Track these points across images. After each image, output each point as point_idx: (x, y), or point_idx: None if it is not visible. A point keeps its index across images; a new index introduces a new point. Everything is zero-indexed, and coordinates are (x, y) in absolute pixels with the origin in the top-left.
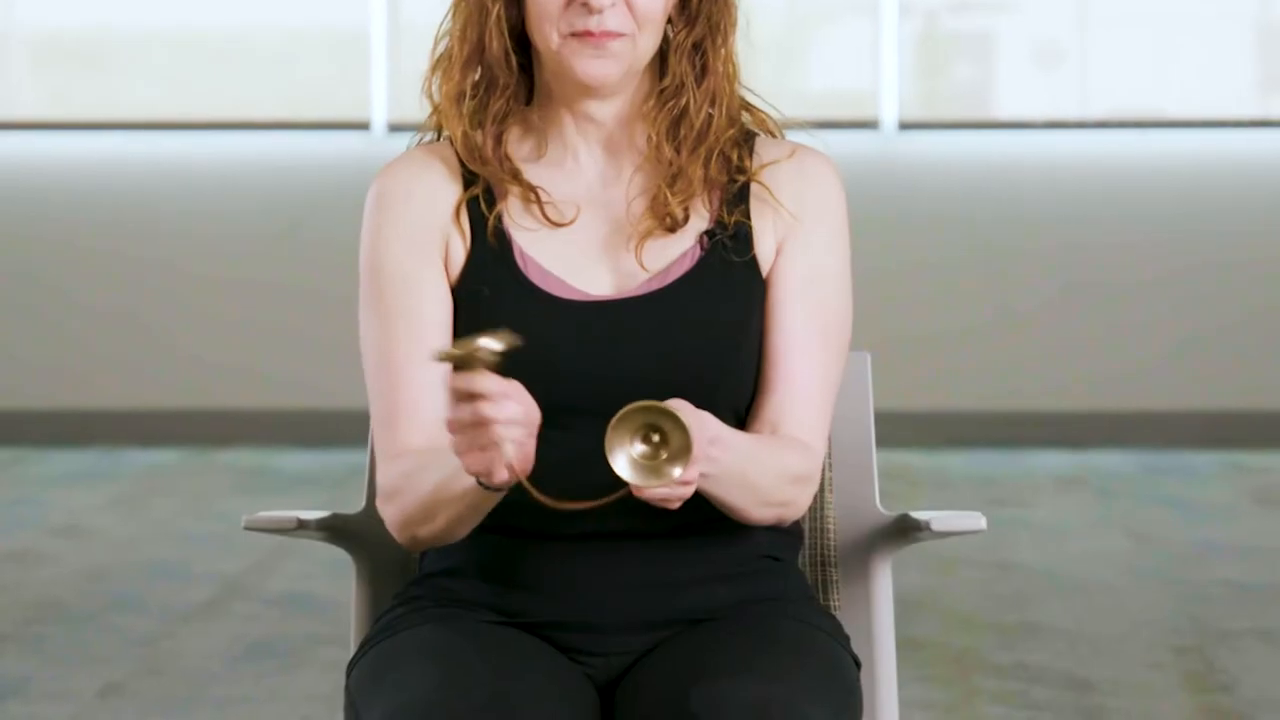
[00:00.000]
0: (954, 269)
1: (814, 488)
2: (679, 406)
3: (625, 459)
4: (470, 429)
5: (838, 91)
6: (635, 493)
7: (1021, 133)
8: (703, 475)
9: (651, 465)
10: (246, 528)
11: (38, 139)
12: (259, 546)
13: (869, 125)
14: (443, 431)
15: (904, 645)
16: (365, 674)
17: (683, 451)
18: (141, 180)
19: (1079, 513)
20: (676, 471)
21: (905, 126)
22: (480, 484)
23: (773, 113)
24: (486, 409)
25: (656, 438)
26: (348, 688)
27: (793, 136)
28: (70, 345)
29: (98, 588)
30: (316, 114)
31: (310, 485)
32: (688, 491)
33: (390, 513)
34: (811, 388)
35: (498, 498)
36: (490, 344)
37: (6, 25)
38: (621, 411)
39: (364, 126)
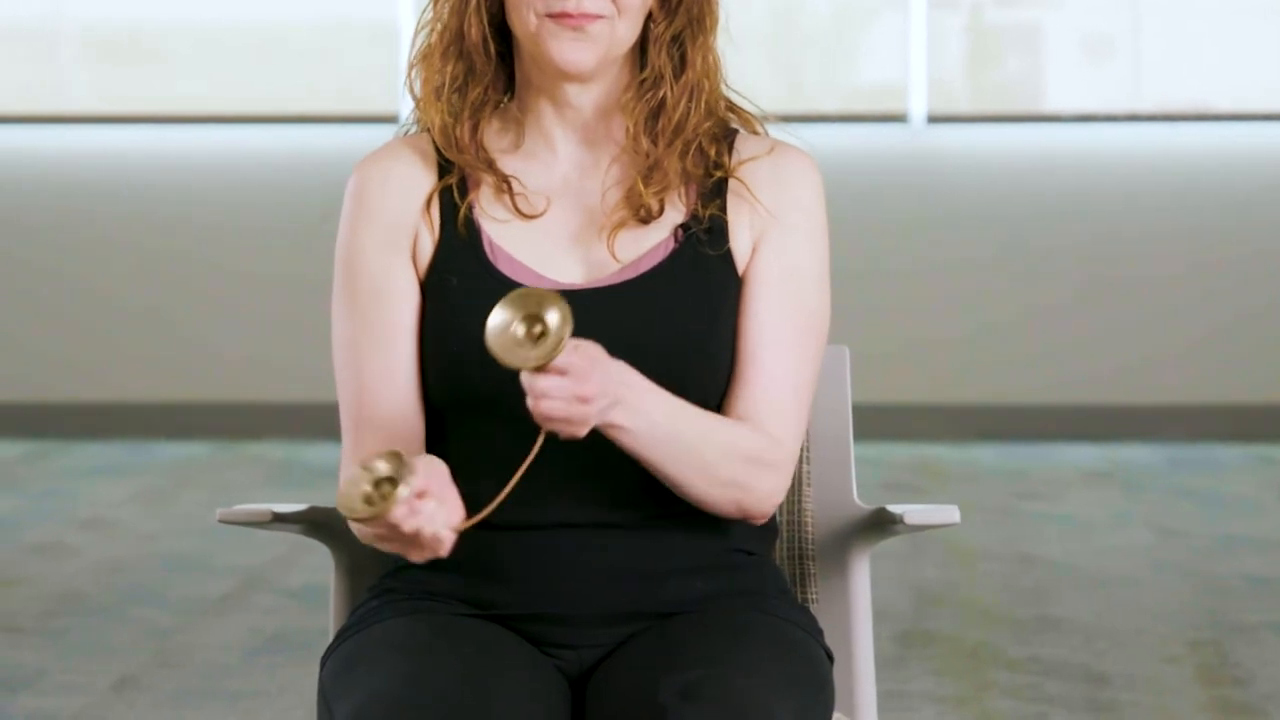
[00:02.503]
0: (983, 262)
1: (779, 478)
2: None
3: (500, 333)
4: (400, 548)
5: (888, 86)
6: (526, 387)
7: (1052, 126)
8: (620, 425)
9: (518, 345)
10: (221, 521)
11: (83, 132)
12: (282, 540)
13: (898, 119)
14: (405, 431)
15: (919, 638)
16: (337, 667)
17: (553, 345)
18: (174, 174)
19: (1104, 506)
20: (532, 354)
21: (934, 120)
22: None
23: (755, 111)
24: (408, 529)
25: (538, 329)
26: (321, 680)
27: (775, 132)
28: (101, 338)
29: (118, 580)
30: (351, 108)
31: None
32: (583, 411)
33: (359, 533)
34: (783, 382)
35: None
36: (374, 475)
37: (56, 20)
38: (517, 291)
39: (396, 120)
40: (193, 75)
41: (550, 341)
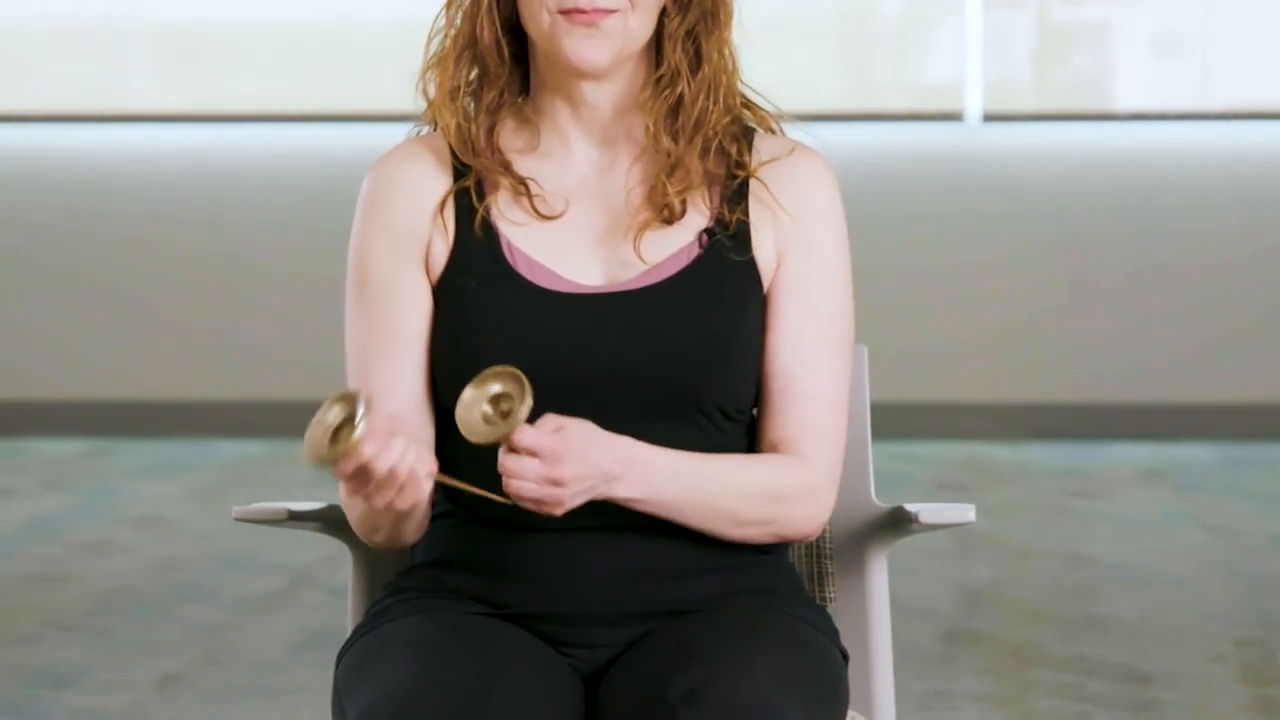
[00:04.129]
0: (1036, 260)
1: (816, 505)
2: (566, 420)
3: (467, 408)
4: (379, 491)
5: (951, 84)
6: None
7: (1114, 124)
8: (634, 499)
9: (484, 422)
10: (236, 519)
11: (151, 131)
12: (333, 539)
13: (954, 118)
14: (411, 436)
15: (965, 637)
16: (350, 665)
17: (505, 428)
18: (236, 174)
19: (1156, 505)
20: (489, 431)
21: (990, 118)
22: None
23: (771, 109)
24: (381, 468)
25: (505, 408)
26: (335, 679)
27: (791, 132)
28: (159, 338)
29: (168, 578)
30: (421, 105)
31: None
32: (556, 494)
33: (350, 517)
34: (820, 402)
35: (421, 507)
36: (331, 421)
37: (129, 20)
38: (495, 368)
39: None
40: (262, 73)
41: (508, 421)
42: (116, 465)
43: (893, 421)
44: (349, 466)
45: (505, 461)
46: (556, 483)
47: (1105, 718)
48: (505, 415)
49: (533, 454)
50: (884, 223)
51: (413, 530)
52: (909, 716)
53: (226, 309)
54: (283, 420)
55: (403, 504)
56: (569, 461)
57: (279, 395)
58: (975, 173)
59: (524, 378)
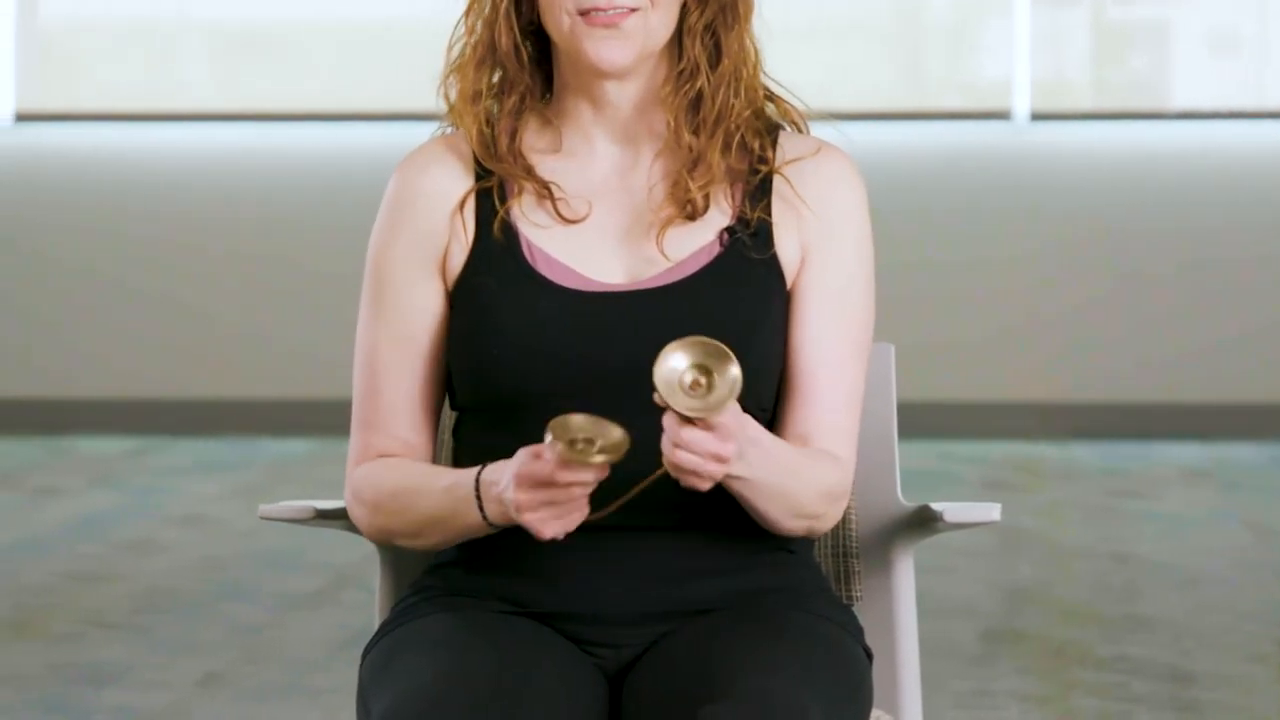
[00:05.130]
0: (1082, 260)
1: (845, 503)
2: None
3: (669, 376)
4: (559, 506)
5: (1005, 83)
6: (667, 464)
7: (1164, 123)
8: (739, 477)
9: (682, 391)
10: (262, 518)
11: (205, 130)
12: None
13: (1001, 116)
14: (415, 440)
15: (1007, 637)
16: (374, 663)
17: (718, 404)
18: (288, 174)
19: (1202, 505)
20: (696, 404)
21: (1038, 117)
22: (487, 522)
23: (797, 104)
24: (580, 492)
25: (704, 380)
26: (359, 677)
27: (819, 130)
28: (205, 336)
29: (211, 577)
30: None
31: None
32: (717, 470)
33: (366, 518)
34: (842, 401)
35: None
36: (600, 458)
37: (181, 19)
38: (698, 338)
39: None
40: (314, 73)
41: (716, 398)
42: (162, 464)
43: (941, 420)
44: (589, 469)
45: (681, 431)
46: (721, 459)
47: (1147, 718)
48: (696, 386)
49: (710, 428)
50: (933, 219)
51: (453, 544)
52: (949, 715)
53: (273, 309)
54: (327, 419)
55: (549, 531)
56: (736, 439)
57: (324, 394)
58: (1022, 171)
59: (734, 357)
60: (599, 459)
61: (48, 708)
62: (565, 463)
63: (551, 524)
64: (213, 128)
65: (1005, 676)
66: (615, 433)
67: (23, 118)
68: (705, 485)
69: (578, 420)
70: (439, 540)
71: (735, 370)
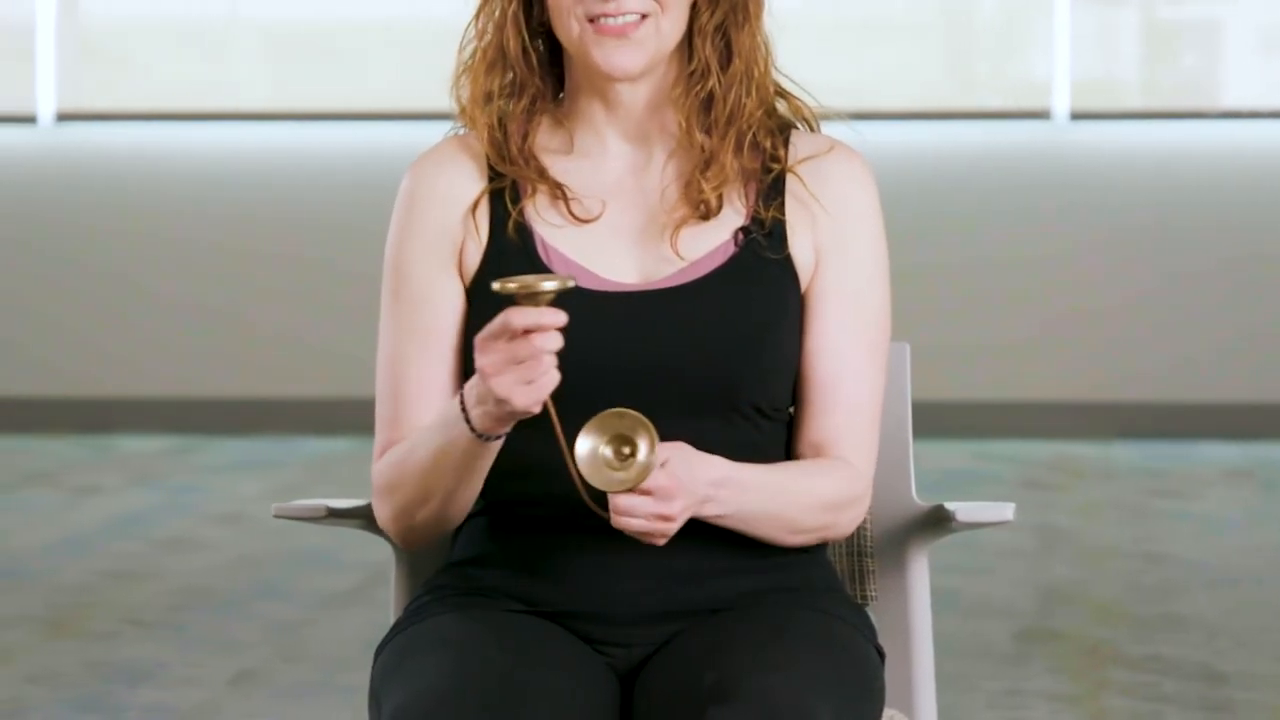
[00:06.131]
0: (1123, 260)
1: (860, 509)
2: (667, 448)
3: (590, 454)
4: (521, 363)
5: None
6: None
7: (1205, 123)
8: (718, 516)
9: (607, 468)
10: (276, 516)
11: (256, 129)
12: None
13: (1041, 116)
14: None
15: (1040, 636)
16: (386, 662)
17: (641, 471)
18: (318, 174)
19: (1241, 505)
20: (619, 477)
21: (1077, 117)
22: (478, 435)
23: (808, 100)
24: (542, 342)
25: (627, 450)
26: (371, 675)
27: (830, 129)
28: (249, 334)
29: (247, 575)
30: None
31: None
32: (666, 528)
33: (385, 507)
34: (860, 407)
35: (492, 455)
36: (550, 285)
37: (233, 18)
38: (608, 411)
39: None
40: (366, 72)
41: (637, 469)
42: (202, 462)
43: (980, 419)
44: (539, 308)
45: (619, 500)
46: (666, 519)
47: (1178, 717)
48: (624, 458)
49: (647, 493)
50: (975, 217)
51: (462, 504)
52: (979, 715)
53: (314, 308)
54: (367, 418)
55: (519, 399)
56: (680, 498)
57: (363, 393)
58: (1061, 170)
59: (648, 424)
60: (547, 286)
61: (81, 706)
62: (517, 310)
63: (520, 389)
64: (260, 127)
65: (1037, 676)
66: (559, 274)
67: (64, 117)
68: (660, 543)
69: (520, 277)
70: (444, 493)
71: (649, 436)
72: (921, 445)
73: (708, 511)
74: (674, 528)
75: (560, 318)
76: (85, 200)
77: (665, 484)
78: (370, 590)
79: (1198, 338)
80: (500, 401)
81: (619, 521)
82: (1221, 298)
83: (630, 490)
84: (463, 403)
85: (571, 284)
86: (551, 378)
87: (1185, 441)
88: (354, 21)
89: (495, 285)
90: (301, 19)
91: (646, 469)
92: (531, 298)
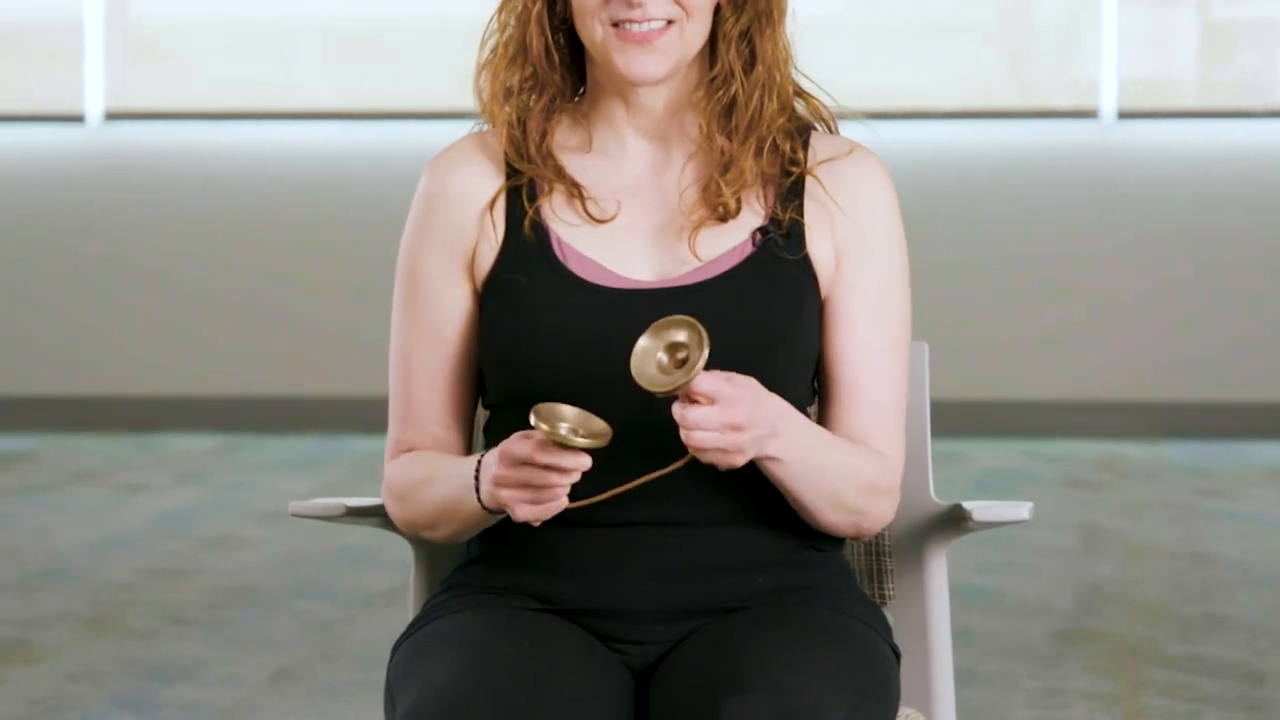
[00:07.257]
0: (1168, 259)
1: (892, 501)
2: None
3: (642, 366)
4: (535, 490)
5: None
6: (689, 446)
7: (1252, 121)
8: (775, 458)
9: (659, 370)
10: (294, 514)
11: (309, 128)
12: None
13: (1088, 115)
14: (446, 437)
15: (1080, 636)
16: (401, 660)
17: (684, 377)
18: (374, 173)
19: None
20: (671, 378)
21: (1124, 116)
22: (485, 508)
23: (827, 101)
24: (557, 479)
25: (681, 355)
26: (387, 673)
27: (848, 129)
28: (294, 333)
29: (289, 573)
30: None
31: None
32: (738, 439)
33: (396, 511)
34: (888, 405)
35: (500, 517)
36: (582, 442)
37: (294, 19)
38: (670, 318)
39: None
40: (426, 71)
41: (690, 363)
42: (248, 461)
43: (1027, 419)
44: (566, 454)
45: (688, 412)
46: (736, 428)
47: (1216, 717)
48: (680, 364)
49: (711, 400)
50: (1025, 214)
51: (470, 535)
52: (1017, 713)
53: (361, 307)
54: None
55: (524, 515)
56: (746, 404)
57: None
58: (1108, 169)
59: (701, 327)
60: (580, 442)
61: (119, 704)
62: (545, 445)
63: (524, 506)
64: (310, 126)
65: (1076, 675)
66: (598, 424)
67: (112, 116)
68: (738, 460)
69: (565, 410)
70: (451, 531)
71: (696, 332)
72: (972, 444)
73: (772, 449)
74: (746, 440)
75: (583, 463)
76: (133, 199)
77: (728, 390)
78: (410, 589)
79: (1244, 336)
80: (503, 505)
81: (689, 438)
82: (1270, 296)
83: (690, 398)
84: (477, 473)
85: (605, 443)
86: (558, 505)
87: (1232, 441)
88: (407, 20)
89: (532, 416)
90: (354, 17)
91: (692, 370)
92: (560, 443)
